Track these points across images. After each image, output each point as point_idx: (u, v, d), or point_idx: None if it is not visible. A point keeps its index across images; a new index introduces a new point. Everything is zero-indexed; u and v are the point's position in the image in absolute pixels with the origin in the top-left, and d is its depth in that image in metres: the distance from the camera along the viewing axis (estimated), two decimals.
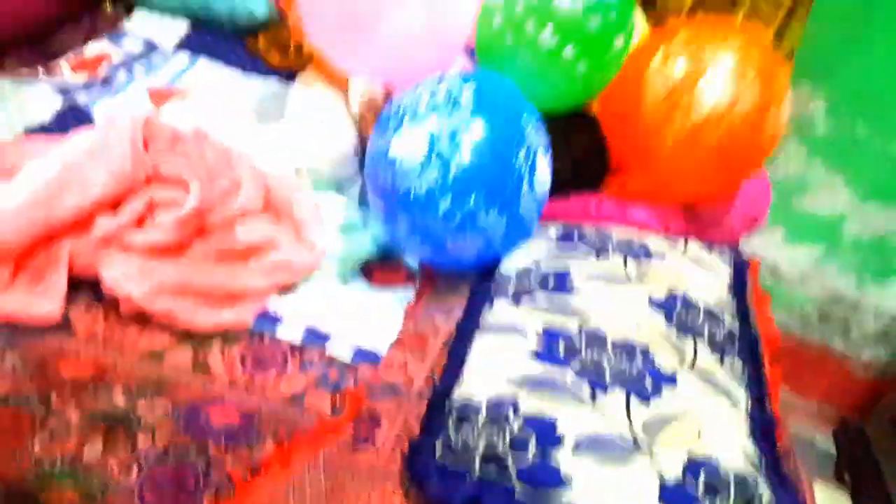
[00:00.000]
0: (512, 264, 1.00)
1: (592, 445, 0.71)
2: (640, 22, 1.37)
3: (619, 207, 1.13)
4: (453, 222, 0.91)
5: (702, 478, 0.68)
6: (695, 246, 1.04)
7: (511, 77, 1.06)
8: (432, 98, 0.94)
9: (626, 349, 0.81)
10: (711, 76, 0.99)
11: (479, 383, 0.79)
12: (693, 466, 0.69)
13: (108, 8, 1.67)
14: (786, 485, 0.73)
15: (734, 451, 0.73)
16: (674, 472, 0.69)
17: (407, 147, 0.91)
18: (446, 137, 0.90)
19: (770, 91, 1.00)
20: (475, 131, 0.91)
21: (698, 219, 1.16)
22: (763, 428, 0.79)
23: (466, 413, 0.76)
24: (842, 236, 1.85)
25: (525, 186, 0.94)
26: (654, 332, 0.84)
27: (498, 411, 0.74)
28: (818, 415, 2.13)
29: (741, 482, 0.69)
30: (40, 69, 1.40)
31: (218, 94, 1.45)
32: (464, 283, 1.06)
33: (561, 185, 1.17)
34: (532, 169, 0.94)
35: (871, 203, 1.78)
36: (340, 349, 0.96)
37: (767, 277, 1.97)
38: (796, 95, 1.68)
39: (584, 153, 1.18)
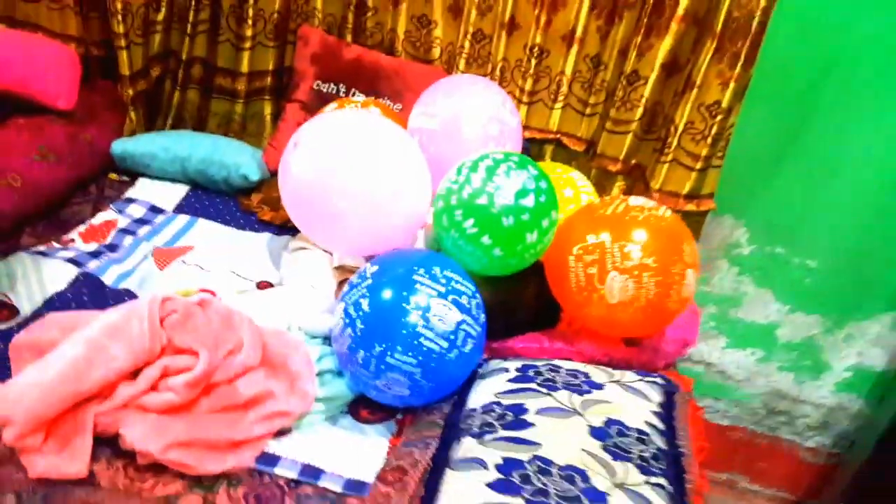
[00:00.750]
0: (478, 400, 1.17)
1: None
2: (582, 181, 1.61)
3: (567, 342, 1.32)
4: (371, 367, 1.14)
5: None
6: (630, 375, 1.22)
7: (447, 248, 1.33)
8: (352, 280, 1.23)
9: (569, 473, 0.97)
10: (615, 280, 1.22)
11: None
12: None
13: (115, 177, 1.85)
14: None
15: None
16: None
17: (336, 321, 1.20)
18: (352, 306, 1.16)
19: (670, 280, 1.22)
20: (371, 295, 1.15)
21: (638, 347, 1.35)
22: None
23: None
24: (776, 341, 2.06)
25: (420, 326, 1.12)
26: (592, 457, 1.00)
27: None
28: (776, 499, 2.29)
29: None
30: (55, 243, 1.55)
31: (216, 252, 1.62)
32: (440, 414, 1.21)
33: (521, 326, 1.37)
34: (426, 311, 1.13)
35: (797, 311, 2.01)
36: (332, 481, 1.10)
37: (717, 378, 2.16)
38: (722, 225, 1.95)
39: (538, 299, 1.38)
